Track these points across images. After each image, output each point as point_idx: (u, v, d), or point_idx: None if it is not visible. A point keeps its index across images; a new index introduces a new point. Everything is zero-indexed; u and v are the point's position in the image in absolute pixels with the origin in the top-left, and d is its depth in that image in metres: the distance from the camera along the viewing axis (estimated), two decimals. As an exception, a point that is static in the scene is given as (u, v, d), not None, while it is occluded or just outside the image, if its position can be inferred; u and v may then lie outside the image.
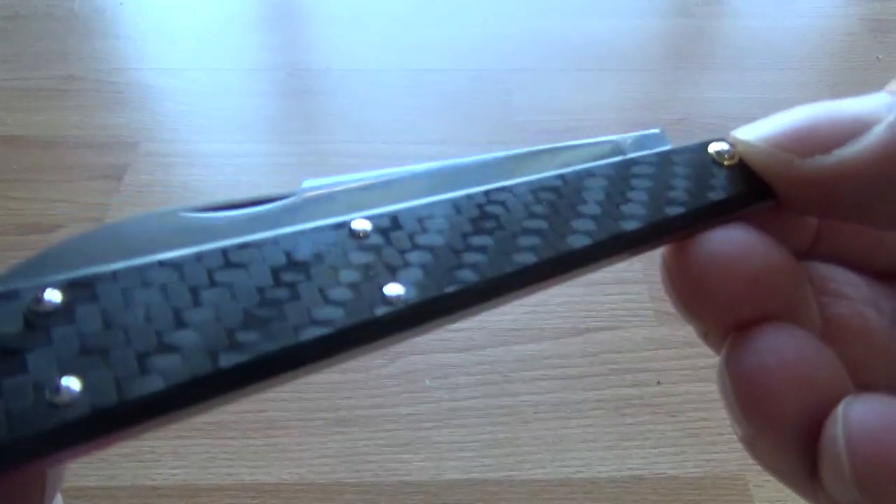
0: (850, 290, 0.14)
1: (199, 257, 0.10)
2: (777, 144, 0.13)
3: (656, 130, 0.15)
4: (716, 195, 0.13)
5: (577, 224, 0.13)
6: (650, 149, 0.15)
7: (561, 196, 0.13)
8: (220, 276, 0.10)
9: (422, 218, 0.12)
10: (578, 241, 0.13)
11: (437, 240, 0.12)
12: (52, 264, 0.10)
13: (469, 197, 0.13)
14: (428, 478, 0.40)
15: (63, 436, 0.09)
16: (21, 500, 0.10)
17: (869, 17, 0.78)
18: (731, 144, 0.14)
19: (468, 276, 0.11)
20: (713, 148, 0.14)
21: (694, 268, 0.13)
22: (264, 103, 0.66)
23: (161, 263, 0.10)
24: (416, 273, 0.11)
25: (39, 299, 0.10)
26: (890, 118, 0.12)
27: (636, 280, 0.50)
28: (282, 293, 0.11)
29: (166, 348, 0.10)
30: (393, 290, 0.11)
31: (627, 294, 0.49)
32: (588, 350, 0.46)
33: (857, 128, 0.12)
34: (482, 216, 0.12)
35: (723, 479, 0.40)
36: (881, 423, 0.11)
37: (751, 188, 0.14)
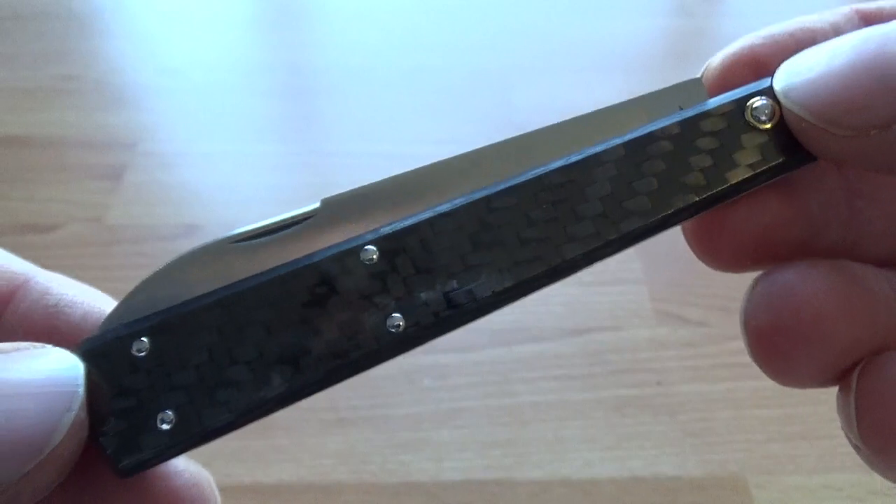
0: None
1: (236, 297, 0.13)
2: (830, 120, 0.12)
3: (697, 78, 0.15)
4: (758, 163, 0.13)
5: (576, 229, 0.13)
6: (688, 100, 0.15)
7: (560, 196, 0.14)
8: (258, 315, 0.13)
9: (424, 238, 0.13)
10: (571, 252, 0.13)
11: (435, 262, 0.13)
12: (141, 306, 0.13)
13: (469, 206, 0.13)
14: (428, 478, 0.40)
15: (165, 453, 0.12)
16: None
17: (869, 17, 0.78)
18: (773, 99, 0.13)
19: (461, 298, 0.13)
20: (752, 105, 0.14)
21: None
22: (264, 103, 0.66)
23: (216, 304, 0.13)
24: (413, 302, 0.13)
25: (138, 344, 0.13)
26: None
27: (636, 280, 0.50)
28: (306, 329, 0.13)
29: (228, 383, 0.13)
30: (395, 321, 0.13)
31: (627, 294, 0.49)
32: (588, 350, 0.46)
33: None
34: (481, 228, 0.13)
35: (723, 479, 0.40)
36: None
37: (793, 150, 0.13)
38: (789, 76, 0.13)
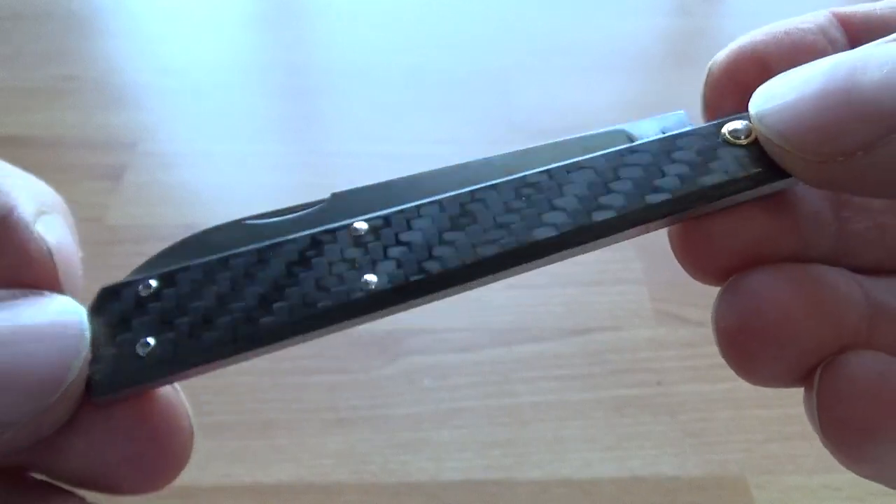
0: None
1: (236, 255, 0.15)
2: (799, 146, 0.12)
3: (680, 112, 0.16)
4: (734, 171, 0.14)
5: (549, 217, 0.14)
6: (670, 131, 0.16)
7: (540, 190, 0.15)
8: (252, 270, 0.14)
9: (409, 218, 0.15)
10: (544, 233, 0.14)
11: (416, 237, 0.14)
12: (159, 262, 0.15)
13: (455, 196, 0.15)
14: (428, 478, 0.40)
15: (142, 375, 0.13)
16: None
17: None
18: (750, 122, 0.14)
19: (433, 266, 0.14)
20: (728, 127, 0.14)
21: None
22: (264, 103, 0.66)
23: (218, 261, 0.14)
24: (389, 265, 0.14)
25: (145, 286, 0.14)
26: None
27: (636, 280, 0.50)
28: (289, 282, 0.14)
29: (209, 326, 0.14)
30: (368, 281, 0.14)
31: (627, 294, 0.49)
32: (588, 350, 0.46)
33: (882, 125, 0.11)
34: (462, 213, 0.14)
35: (723, 480, 0.40)
36: None
37: (770, 164, 0.14)
38: (764, 101, 0.13)
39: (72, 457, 0.13)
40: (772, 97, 0.13)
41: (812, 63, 0.13)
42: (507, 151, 0.16)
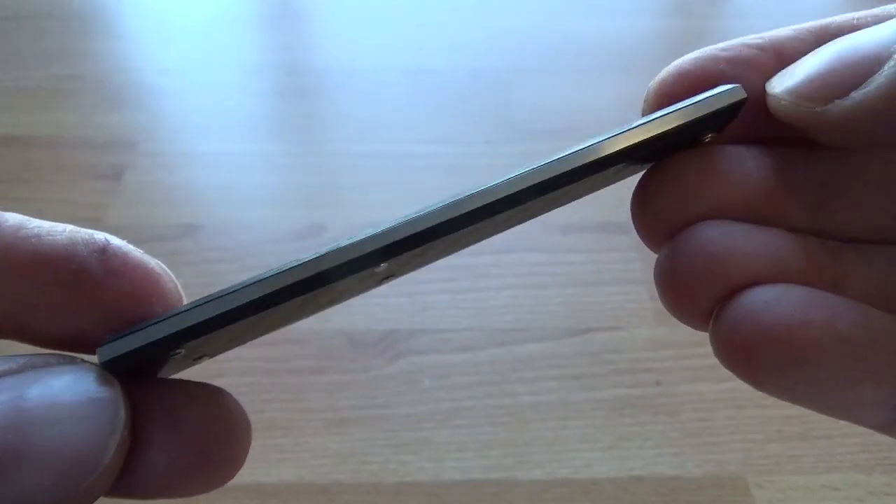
0: None
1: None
2: (800, 95, 0.14)
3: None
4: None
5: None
6: None
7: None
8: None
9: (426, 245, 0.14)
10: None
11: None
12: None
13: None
14: (428, 478, 0.40)
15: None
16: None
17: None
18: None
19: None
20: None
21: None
22: (264, 103, 0.66)
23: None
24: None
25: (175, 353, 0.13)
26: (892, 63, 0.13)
27: (636, 280, 0.50)
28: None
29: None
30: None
31: (627, 294, 0.49)
32: (588, 350, 0.46)
33: (869, 66, 0.13)
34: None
35: (723, 479, 0.40)
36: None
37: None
38: (777, 78, 0.14)
39: (148, 476, 0.13)
40: (783, 74, 0.14)
41: (825, 45, 0.14)
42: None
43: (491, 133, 0.61)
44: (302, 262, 0.13)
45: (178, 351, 0.13)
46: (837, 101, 0.13)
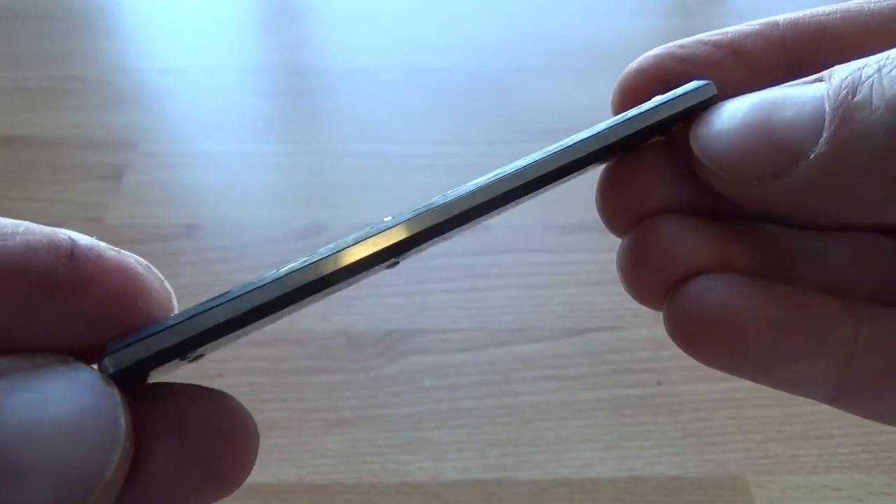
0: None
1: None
2: (724, 168, 0.14)
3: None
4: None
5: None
6: None
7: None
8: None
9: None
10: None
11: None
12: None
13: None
14: (428, 478, 0.40)
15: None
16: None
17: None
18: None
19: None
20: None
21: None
22: (264, 103, 0.66)
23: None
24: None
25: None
26: (819, 149, 0.13)
27: (636, 280, 0.50)
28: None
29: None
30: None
31: (627, 294, 0.49)
32: (588, 350, 0.46)
33: (792, 152, 0.13)
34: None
35: (723, 479, 0.40)
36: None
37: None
38: (702, 126, 0.15)
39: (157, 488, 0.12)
40: (709, 123, 0.14)
41: (747, 95, 0.14)
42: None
43: (491, 133, 0.61)
44: (330, 253, 0.12)
45: (199, 354, 0.12)
46: (756, 184, 0.13)
